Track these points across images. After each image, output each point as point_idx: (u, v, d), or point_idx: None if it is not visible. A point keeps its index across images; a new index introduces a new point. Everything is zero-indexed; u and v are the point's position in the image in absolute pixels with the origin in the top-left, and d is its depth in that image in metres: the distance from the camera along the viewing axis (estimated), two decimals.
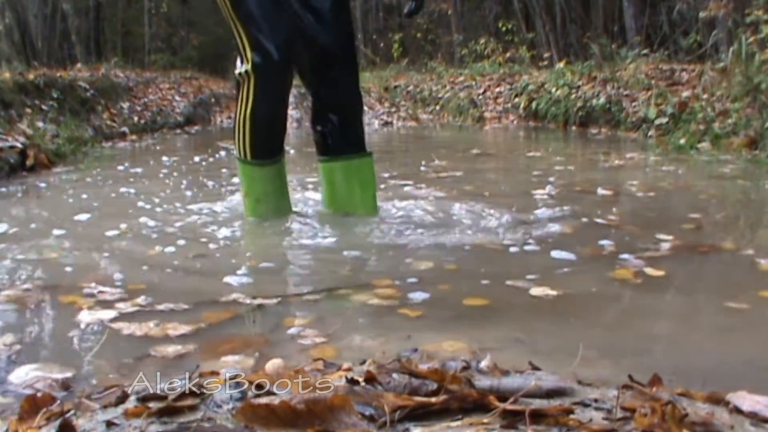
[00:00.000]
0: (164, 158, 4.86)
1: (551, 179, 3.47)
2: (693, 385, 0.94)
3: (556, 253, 2.00)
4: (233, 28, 2.32)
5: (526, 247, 2.10)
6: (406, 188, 3.26)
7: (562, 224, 2.39)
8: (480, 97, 9.51)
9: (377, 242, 2.20)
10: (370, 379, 0.88)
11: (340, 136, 2.50)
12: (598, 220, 2.49)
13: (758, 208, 2.99)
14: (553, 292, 1.66)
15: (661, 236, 2.21)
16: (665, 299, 1.70)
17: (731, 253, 2.11)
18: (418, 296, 1.64)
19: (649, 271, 1.84)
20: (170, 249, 2.12)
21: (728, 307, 1.57)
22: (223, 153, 5.19)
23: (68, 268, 1.92)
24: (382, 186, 3.21)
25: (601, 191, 3.13)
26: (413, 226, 2.38)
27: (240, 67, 2.32)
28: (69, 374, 1.19)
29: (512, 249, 2.08)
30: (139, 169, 4.24)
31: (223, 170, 4.10)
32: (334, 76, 2.47)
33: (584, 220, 2.49)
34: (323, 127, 2.51)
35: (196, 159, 4.87)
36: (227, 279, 1.79)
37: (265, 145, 2.43)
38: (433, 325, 1.47)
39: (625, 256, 1.97)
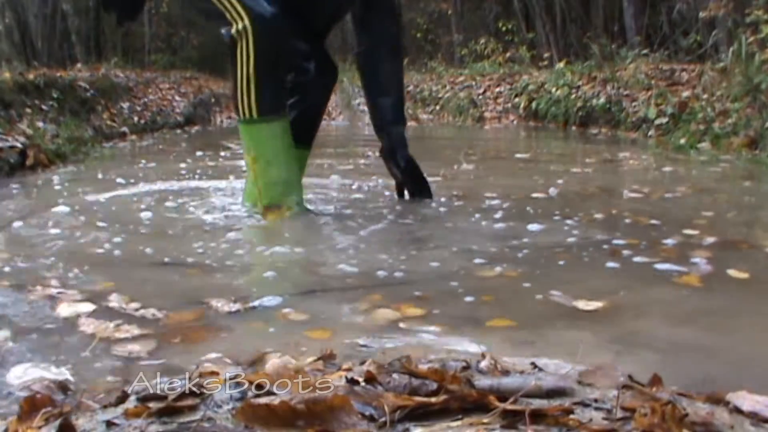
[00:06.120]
0: (172, 156, 4.84)
1: (561, 180, 3.46)
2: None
3: (593, 254, 1.94)
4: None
5: (566, 250, 2.00)
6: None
7: (577, 226, 2.35)
8: (480, 97, 9.52)
9: (395, 240, 2.13)
10: (370, 379, 0.89)
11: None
12: (616, 221, 2.44)
13: None
14: (598, 303, 1.55)
15: (693, 233, 2.18)
16: (743, 299, 1.63)
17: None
18: (430, 297, 1.57)
19: (717, 269, 1.79)
20: (162, 245, 2.11)
21: None
22: (228, 153, 5.20)
23: (57, 266, 1.90)
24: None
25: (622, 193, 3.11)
26: (429, 225, 2.36)
27: (233, 28, 2.34)
28: (65, 376, 1.18)
29: (548, 252, 1.98)
30: (138, 168, 4.24)
31: (225, 168, 4.10)
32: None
33: (594, 221, 2.46)
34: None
35: (197, 157, 4.88)
36: (230, 276, 1.79)
37: (272, 100, 2.44)
38: (451, 331, 1.40)
39: (679, 257, 1.89)
